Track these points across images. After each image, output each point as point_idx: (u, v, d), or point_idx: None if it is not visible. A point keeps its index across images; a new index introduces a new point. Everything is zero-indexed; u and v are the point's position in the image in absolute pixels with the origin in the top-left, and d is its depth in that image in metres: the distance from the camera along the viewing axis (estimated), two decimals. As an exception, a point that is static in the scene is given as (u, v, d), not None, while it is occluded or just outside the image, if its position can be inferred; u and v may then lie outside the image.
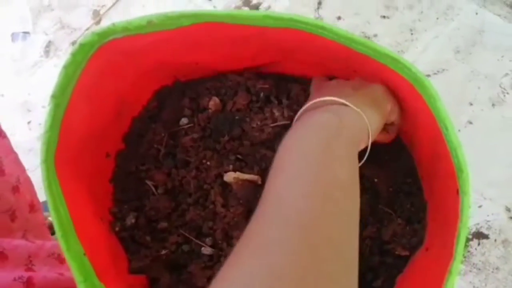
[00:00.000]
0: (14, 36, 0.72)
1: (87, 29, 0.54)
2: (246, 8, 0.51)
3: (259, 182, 0.30)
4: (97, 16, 0.53)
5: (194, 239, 0.30)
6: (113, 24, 0.26)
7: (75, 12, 0.55)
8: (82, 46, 0.26)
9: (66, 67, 0.26)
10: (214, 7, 0.52)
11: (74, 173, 0.28)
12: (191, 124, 0.32)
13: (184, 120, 0.33)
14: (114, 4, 0.54)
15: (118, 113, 0.32)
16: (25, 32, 0.65)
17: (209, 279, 0.29)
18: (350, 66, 0.29)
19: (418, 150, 0.30)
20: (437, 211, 0.27)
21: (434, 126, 0.25)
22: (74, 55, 0.26)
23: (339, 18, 0.49)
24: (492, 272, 0.39)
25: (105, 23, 0.53)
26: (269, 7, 0.51)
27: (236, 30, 0.27)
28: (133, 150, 0.33)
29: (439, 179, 0.26)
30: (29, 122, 0.66)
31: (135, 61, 0.30)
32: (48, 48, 0.63)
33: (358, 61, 0.26)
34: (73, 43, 0.64)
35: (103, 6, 0.54)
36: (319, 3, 0.50)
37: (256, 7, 0.51)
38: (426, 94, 0.24)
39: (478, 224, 0.41)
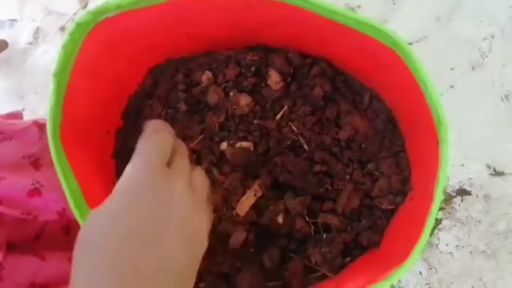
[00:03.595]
0: (1, 24, 0.71)
1: (75, 14, 0.55)
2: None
3: (252, 149, 0.32)
4: (83, 0, 0.54)
5: None
6: (106, 2, 0.27)
7: (61, -3, 0.55)
8: (78, 25, 0.27)
9: (64, 47, 0.28)
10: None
11: (79, 148, 0.30)
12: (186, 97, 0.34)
13: (179, 95, 0.34)
14: (100, -14, 0.54)
15: (116, 91, 0.34)
16: (12, 20, 0.65)
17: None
18: (326, 39, 0.30)
19: (401, 111, 0.32)
20: (419, 164, 0.29)
21: (415, 86, 0.26)
22: (71, 34, 0.27)
23: (323, -9, 0.50)
24: (475, 225, 0.42)
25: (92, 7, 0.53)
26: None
27: (223, 2, 0.28)
28: (132, 126, 0.35)
29: (420, 135, 0.28)
30: (23, 109, 0.67)
31: (129, 40, 0.31)
32: (36, 35, 0.63)
33: (336, 32, 0.28)
34: (62, 28, 0.64)
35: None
36: (303, -23, 0.51)
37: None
38: (406, 57, 0.26)
39: (461, 181, 0.44)
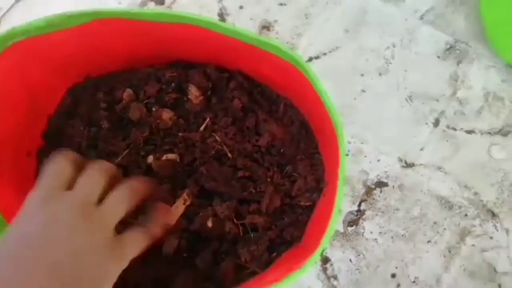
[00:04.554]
0: None
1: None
2: (152, 3, 0.53)
3: (178, 160, 0.34)
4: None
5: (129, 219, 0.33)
6: (13, 27, 0.27)
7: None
8: (-15, 51, 0.27)
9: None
10: (120, 3, 0.53)
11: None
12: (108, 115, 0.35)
13: (101, 113, 0.35)
14: (12, 5, 0.53)
15: (31, 112, 0.33)
16: None
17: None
18: (239, 56, 0.33)
19: (311, 118, 0.35)
20: (329, 163, 0.32)
21: (316, 96, 0.29)
22: (-22, 60, 0.27)
23: (241, 7, 0.53)
24: (393, 212, 0.46)
25: (5, 27, 0.52)
26: (173, 1, 0.53)
27: (136, 25, 0.29)
28: (54, 146, 0.34)
29: (327, 138, 0.31)
30: None
31: (41, 60, 0.31)
32: None
33: (246, 50, 0.30)
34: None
35: (0, 8, 0.53)
36: (223, -5, 0.53)
37: (162, 1, 0.53)
38: (305, 72, 0.29)
39: (378, 175, 0.48)
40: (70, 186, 0.25)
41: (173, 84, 0.35)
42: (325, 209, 0.29)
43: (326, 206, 0.30)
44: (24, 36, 0.28)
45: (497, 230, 0.45)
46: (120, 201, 0.26)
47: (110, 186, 0.26)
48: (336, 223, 0.26)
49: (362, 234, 0.46)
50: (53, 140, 0.35)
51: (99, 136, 0.34)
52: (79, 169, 0.26)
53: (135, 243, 0.26)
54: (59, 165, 0.25)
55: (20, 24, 0.27)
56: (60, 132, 0.35)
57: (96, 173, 0.26)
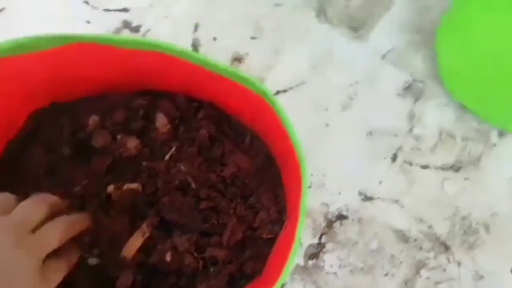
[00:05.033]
0: None
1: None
2: (126, 30, 0.53)
3: (140, 189, 0.33)
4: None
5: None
6: (-22, 47, 0.27)
7: None
8: None
9: None
10: (95, 29, 0.53)
11: None
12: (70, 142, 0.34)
13: (64, 139, 0.34)
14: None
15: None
16: None
17: None
18: (208, 86, 0.34)
19: (275, 149, 0.36)
20: (291, 195, 0.33)
21: (282, 128, 0.31)
22: None
23: (214, 39, 0.54)
24: (353, 245, 0.48)
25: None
26: (149, 29, 0.54)
27: (108, 51, 0.29)
28: (10, 173, 0.33)
29: (290, 170, 0.32)
30: None
31: (8, 83, 0.30)
32: None
33: (216, 80, 0.31)
34: None
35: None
36: (196, 26, 0.55)
37: (137, 29, 0.54)
38: (274, 105, 0.30)
39: (339, 208, 0.49)
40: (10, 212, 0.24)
41: (141, 112, 0.35)
42: (286, 241, 0.30)
43: (287, 238, 0.30)
44: (-10, 57, 0.27)
45: (450, 263, 0.48)
46: (54, 232, 0.26)
47: (51, 217, 0.26)
48: (296, 256, 0.27)
49: (323, 268, 0.46)
50: (9, 166, 0.33)
51: (59, 164, 0.34)
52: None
53: (58, 274, 0.26)
54: (2, 195, 0.25)
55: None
56: (17, 158, 0.34)
57: (39, 201, 0.26)
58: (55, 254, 0.26)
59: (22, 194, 0.33)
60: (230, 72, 0.30)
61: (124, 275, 0.31)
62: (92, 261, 0.32)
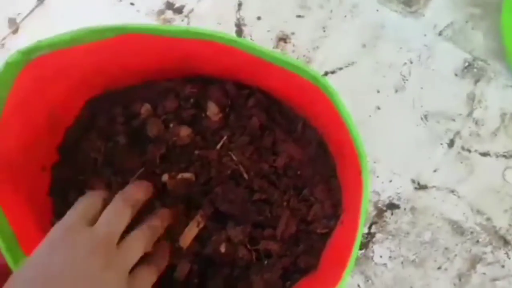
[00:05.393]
0: None
1: (4, 38, 0.52)
2: (169, 11, 0.52)
3: (193, 179, 0.33)
4: (13, 24, 0.51)
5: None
6: (39, 41, 0.27)
7: (-13, 20, 0.53)
8: (8, 65, 0.27)
9: (-7, 88, 0.27)
10: (138, 11, 0.52)
11: (12, 189, 0.29)
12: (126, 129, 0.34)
13: (118, 127, 0.34)
14: (31, 11, 0.52)
15: (51, 125, 0.33)
16: None
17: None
18: (259, 73, 0.32)
19: (329, 139, 0.34)
20: (347, 189, 0.32)
21: (339, 119, 0.29)
22: (0, 74, 0.26)
23: (259, 18, 0.52)
24: (404, 236, 0.46)
25: (23, 32, 0.51)
26: (192, 9, 0.52)
27: (159, 41, 0.29)
28: (69, 161, 0.34)
29: (347, 163, 0.31)
30: None
31: (64, 74, 0.31)
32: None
33: (267, 68, 0.29)
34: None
35: (18, 14, 0.52)
36: (240, 5, 0.53)
37: (180, 10, 0.52)
38: (329, 94, 0.28)
39: (390, 196, 0.47)
40: (95, 220, 0.25)
41: (191, 100, 0.35)
42: (344, 240, 0.29)
43: (344, 236, 0.29)
44: (49, 50, 0.27)
45: (509, 258, 0.45)
46: (139, 243, 0.26)
47: (135, 217, 0.26)
48: (356, 256, 0.26)
49: (372, 258, 0.45)
50: (68, 154, 0.34)
51: (115, 152, 0.34)
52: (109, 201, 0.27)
53: (146, 283, 0.27)
54: (88, 200, 0.25)
55: (45, 38, 0.27)
56: (76, 146, 0.34)
57: (121, 207, 0.26)
58: (143, 259, 0.27)
59: (81, 183, 0.34)
60: (280, 60, 0.28)
61: (181, 263, 0.31)
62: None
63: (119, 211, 0.26)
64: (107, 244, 0.24)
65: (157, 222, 0.28)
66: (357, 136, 0.27)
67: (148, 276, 0.27)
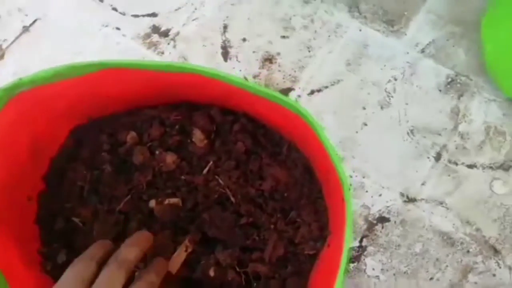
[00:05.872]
0: None
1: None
2: (155, 35, 0.53)
3: (180, 204, 0.33)
4: (-1, 50, 0.52)
5: None
6: (20, 78, 0.27)
7: (-27, 47, 0.53)
8: (-11, 101, 0.27)
9: (-26, 124, 0.27)
10: (124, 35, 0.53)
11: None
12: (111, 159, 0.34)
13: (104, 155, 0.34)
14: (17, 37, 0.52)
15: (35, 156, 0.33)
16: None
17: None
18: (243, 101, 0.33)
19: (315, 162, 0.34)
20: (333, 211, 0.32)
21: (322, 148, 0.29)
22: (-18, 111, 0.27)
23: (244, 39, 0.53)
24: (395, 248, 0.46)
25: (9, 58, 0.51)
26: (178, 32, 0.53)
27: (142, 74, 0.29)
28: (55, 189, 0.34)
29: (331, 187, 0.31)
30: None
31: (46, 107, 0.31)
32: None
33: (251, 97, 0.30)
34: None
35: (4, 40, 0.52)
36: (225, 27, 0.54)
37: (166, 33, 0.53)
38: (309, 122, 0.28)
39: (380, 210, 0.48)
40: (91, 283, 0.25)
41: (177, 127, 0.35)
42: (330, 262, 0.29)
43: (331, 258, 0.29)
44: (31, 86, 0.28)
45: (500, 267, 0.45)
46: None
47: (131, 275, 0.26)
48: (342, 280, 0.26)
49: (364, 271, 0.45)
50: (54, 183, 0.34)
51: (101, 180, 0.34)
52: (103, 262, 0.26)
53: None
54: (79, 266, 0.25)
55: (26, 75, 0.27)
56: (62, 174, 0.34)
57: (115, 273, 0.25)
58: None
59: (68, 211, 0.34)
60: (265, 93, 0.29)
61: (170, 291, 0.31)
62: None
63: (113, 276, 0.25)
64: None
65: (153, 278, 0.27)
66: (339, 166, 0.27)
67: None
